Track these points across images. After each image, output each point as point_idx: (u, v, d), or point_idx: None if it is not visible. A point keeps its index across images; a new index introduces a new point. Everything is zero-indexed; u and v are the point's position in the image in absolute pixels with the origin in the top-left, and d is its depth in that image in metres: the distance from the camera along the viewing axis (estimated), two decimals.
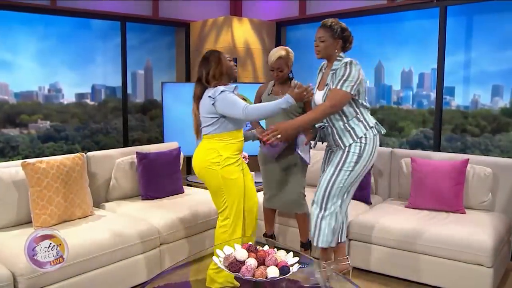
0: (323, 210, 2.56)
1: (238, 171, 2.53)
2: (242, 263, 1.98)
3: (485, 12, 3.64)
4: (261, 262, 2.00)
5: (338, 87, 2.47)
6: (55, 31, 4.05)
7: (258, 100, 3.13)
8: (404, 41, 4.10)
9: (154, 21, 4.70)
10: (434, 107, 3.86)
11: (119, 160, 3.32)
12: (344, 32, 2.58)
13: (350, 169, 2.53)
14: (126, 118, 4.51)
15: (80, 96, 4.30)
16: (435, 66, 3.82)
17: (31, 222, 2.69)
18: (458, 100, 3.85)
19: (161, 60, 4.90)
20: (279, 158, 2.96)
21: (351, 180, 2.56)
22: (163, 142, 4.18)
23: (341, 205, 2.59)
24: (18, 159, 3.27)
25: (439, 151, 3.79)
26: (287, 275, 1.95)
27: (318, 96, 2.64)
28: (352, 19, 4.31)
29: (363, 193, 3.39)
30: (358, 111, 2.57)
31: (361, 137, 2.54)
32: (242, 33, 4.62)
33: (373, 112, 4.36)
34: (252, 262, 1.96)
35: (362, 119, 2.57)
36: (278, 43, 4.88)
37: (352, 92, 2.47)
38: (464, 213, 3.06)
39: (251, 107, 2.41)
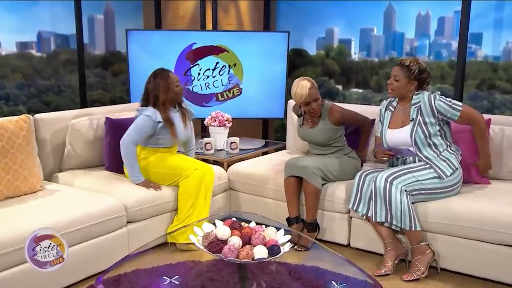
0: None
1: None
2: (224, 242, 2.01)
3: None
4: (247, 241, 2.03)
5: (458, 107, 2.80)
6: None
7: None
8: None
9: None
10: (455, 59, 3.85)
11: (74, 121, 3.30)
12: (422, 73, 2.86)
13: None
14: (83, 74, 4.44)
15: (23, 45, 4.21)
16: (459, 8, 3.76)
17: None
18: (487, 50, 3.87)
19: (125, 2, 4.82)
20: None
21: None
22: (130, 103, 4.16)
23: None
24: None
25: None
26: (277, 256, 1.98)
27: (398, 134, 2.92)
28: None
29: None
30: (448, 143, 2.92)
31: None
32: None
33: (382, 66, 4.37)
34: (236, 241, 1.99)
35: (454, 150, 2.93)
36: None
37: None
38: (489, 183, 3.07)
39: (130, 149, 3.03)
